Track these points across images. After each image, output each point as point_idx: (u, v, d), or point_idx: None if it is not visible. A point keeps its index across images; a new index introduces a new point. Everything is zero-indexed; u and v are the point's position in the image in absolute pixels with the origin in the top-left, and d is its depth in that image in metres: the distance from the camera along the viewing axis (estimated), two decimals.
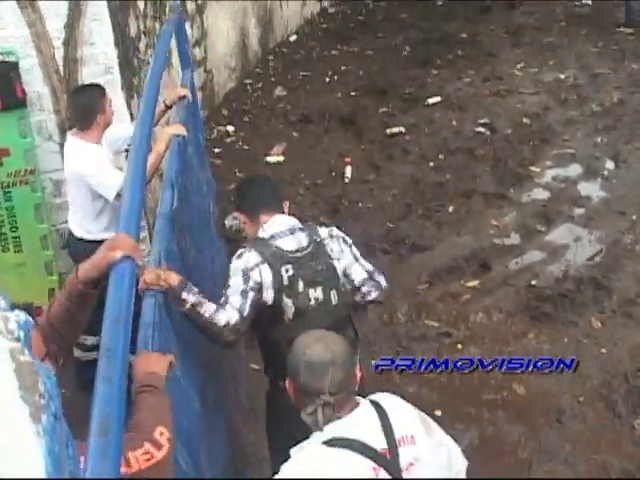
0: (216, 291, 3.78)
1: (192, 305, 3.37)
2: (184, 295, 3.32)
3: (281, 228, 3.78)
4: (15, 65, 5.72)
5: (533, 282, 6.57)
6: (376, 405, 2.80)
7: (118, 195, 4.79)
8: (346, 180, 8.34)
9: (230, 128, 9.84)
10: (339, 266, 3.77)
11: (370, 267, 3.88)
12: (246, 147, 9.41)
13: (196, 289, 3.39)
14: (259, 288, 3.59)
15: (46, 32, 5.70)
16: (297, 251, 3.72)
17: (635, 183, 8.11)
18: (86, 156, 5.03)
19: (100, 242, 2.64)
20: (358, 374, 2.92)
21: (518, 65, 11.40)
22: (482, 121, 9.57)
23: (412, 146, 8.96)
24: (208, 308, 3.42)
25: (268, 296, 3.62)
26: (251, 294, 3.56)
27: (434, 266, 6.86)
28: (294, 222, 3.85)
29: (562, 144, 8.99)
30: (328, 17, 14.22)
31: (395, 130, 9.39)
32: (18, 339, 1.56)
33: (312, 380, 2.72)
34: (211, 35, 9.54)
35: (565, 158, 8.68)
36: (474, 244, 7.14)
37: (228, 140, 9.58)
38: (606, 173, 8.31)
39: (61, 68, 5.77)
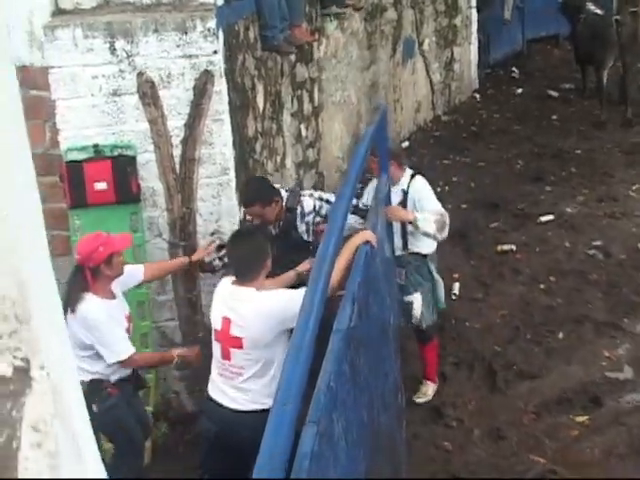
0: (385, 415, 4.34)
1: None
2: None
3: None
4: (132, 160, 5.72)
5: None
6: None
7: None
8: (453, 297, 8.07)
9: None
10: None
11: None
12: None
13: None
14: None
15: (166, 130, 5.70)
16: None
17: None
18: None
19: None
20: None
21: (634, 187, 10.98)
22: (596, 244, 9.22)
23: (523, 265, 8.68)
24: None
25: None
26: None
27: (542, 396, 6.51)
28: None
29: None
30: (441, 125, 14.13)
31: (506, 247, 9.12)
32: None
33: (405, 158, 6.52)
34: (325, 138, 9.51)
35: None
36: (584, 376, 6.74)
37: None
38: None
39: (177, 166, 5.74)
